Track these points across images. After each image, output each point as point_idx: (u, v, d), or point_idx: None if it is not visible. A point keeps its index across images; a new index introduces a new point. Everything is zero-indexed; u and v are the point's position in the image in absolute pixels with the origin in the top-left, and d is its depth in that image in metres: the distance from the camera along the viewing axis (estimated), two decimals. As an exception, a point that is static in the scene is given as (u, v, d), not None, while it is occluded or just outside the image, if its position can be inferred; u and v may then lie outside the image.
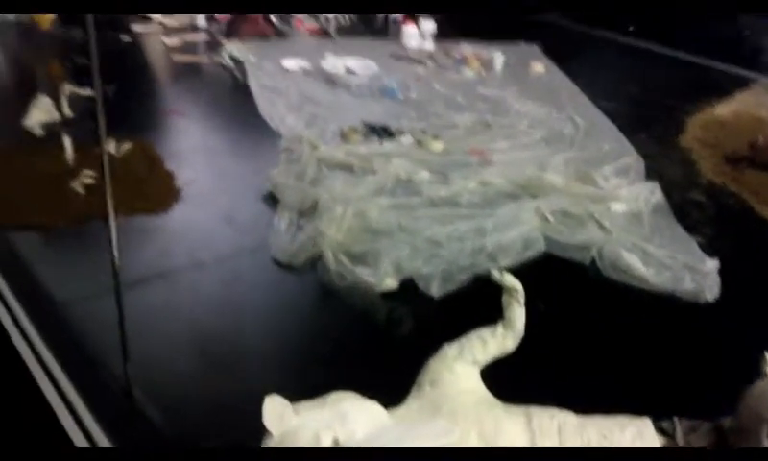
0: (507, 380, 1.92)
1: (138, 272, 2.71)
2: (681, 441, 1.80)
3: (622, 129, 4.44)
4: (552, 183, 3.53)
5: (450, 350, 2.01)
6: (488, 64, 5.77)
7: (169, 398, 2.16)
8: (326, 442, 1.67)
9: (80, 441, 2.00)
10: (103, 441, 2.00)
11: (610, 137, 4.35)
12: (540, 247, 3.05)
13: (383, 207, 3.20)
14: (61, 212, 3.20)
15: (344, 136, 4.13)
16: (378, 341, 2.55)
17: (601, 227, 3.19)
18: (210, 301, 2.70)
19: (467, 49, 6.08)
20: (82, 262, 2.85)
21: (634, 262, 2.89)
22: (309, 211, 3.18)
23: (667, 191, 3.58)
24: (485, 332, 2.04)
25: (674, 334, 2.60)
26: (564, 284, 2.88)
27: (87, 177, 3.38)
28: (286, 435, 1.71)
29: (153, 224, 3.21)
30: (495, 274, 1.99)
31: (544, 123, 4.50)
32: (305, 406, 1.79)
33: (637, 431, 1.81)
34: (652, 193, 3.54)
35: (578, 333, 2.59)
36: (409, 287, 2.76)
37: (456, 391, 1.91)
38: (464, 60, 5.84)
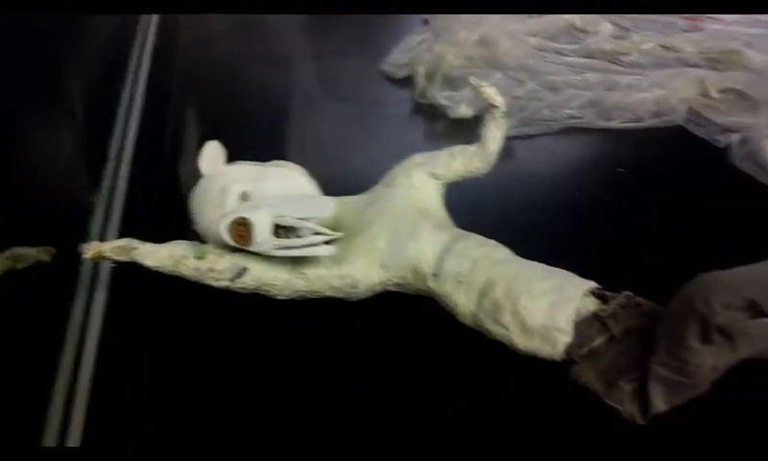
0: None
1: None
2: (608, 312, 1.49)
3: None
4: (748, 61, 2.86)
5: (416, 157, 1.88)
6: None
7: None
8: (235, 193, 1.73)
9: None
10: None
11: None
12: (675, 118, 2.55)
13: (518, 42, 2.92)
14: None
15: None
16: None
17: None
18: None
19: None
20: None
21: (774, 158, 2.30)
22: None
23: None
24: (456, 148, 1.85)
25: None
26: (676, 160, 2.41)
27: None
28: (206, 179, 1.80)
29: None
30: (473, 81, 1.75)
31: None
32: (244, 163, 1.85)
33: (558, 287, 1.54)
34: None
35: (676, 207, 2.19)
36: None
37: (402, 195, 1.80)
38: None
